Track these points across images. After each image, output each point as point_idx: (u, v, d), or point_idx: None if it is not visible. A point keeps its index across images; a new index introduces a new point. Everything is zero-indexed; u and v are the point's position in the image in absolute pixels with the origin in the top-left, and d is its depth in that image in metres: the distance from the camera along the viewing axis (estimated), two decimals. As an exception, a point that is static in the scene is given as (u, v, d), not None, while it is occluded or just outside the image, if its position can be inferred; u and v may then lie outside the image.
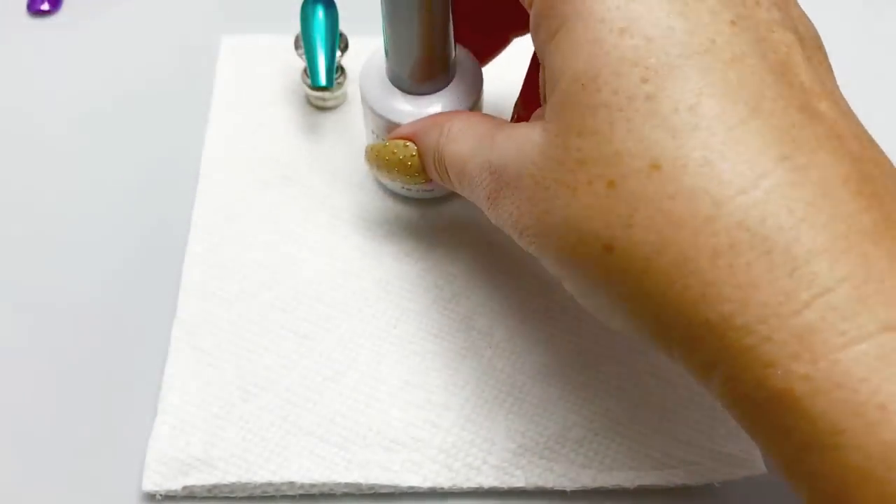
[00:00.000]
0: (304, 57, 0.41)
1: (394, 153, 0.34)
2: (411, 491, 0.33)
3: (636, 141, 0.23)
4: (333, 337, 0.37)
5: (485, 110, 0.39)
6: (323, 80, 0.40)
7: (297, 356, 0.36)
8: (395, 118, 0.36)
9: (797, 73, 0.24)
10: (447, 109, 0.35)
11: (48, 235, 0.40)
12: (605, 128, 0.23)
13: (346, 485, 0.33)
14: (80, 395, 0.36)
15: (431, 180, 0.33)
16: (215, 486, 0.33)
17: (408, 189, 0.39)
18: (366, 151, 0.35)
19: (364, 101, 0.37)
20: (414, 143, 0.33)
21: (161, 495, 0.33)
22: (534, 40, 0.27)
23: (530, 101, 0.36)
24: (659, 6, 0.23)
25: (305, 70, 0.42)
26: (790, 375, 0.21)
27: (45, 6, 0.48)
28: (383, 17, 0.34)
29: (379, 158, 0.34)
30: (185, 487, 0.33)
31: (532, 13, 0.27)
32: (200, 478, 0.33)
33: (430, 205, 0.41)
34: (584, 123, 0.24)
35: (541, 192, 0.25)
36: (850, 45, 0.45)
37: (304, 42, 0.41)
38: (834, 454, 0.21)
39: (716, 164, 0.22)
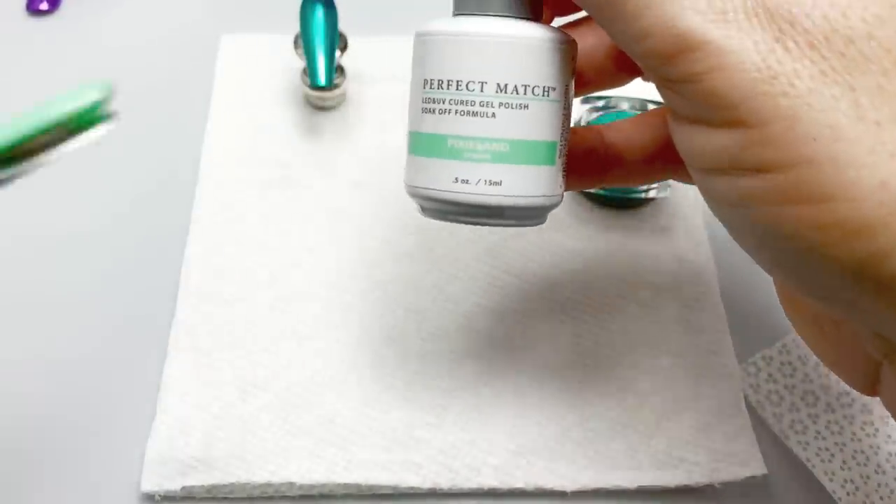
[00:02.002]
0: (303, 57, 0.41)
1: None
2: (411, 491, 0.33)
3: None
4: (333, 337, 0.37)
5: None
6: (322, 80, 0.40)
7: (297, 356, 0.36)
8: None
9: None
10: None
11: (47, 235, 0.40)
12: None
13: (346, 485, 0.33)
14: (79, 395, 0.36)
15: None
16: (214, 487, 0.33)
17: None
18: None
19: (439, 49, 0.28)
20: None
21: (160, 496, 0.33)
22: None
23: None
24: None
25: (305, 70, 0.42)
26: None
27: (45, 6, 0.48)
28: None
29: None
30: (184, 488, 0.33)
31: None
32: (199, 478, 0.33)
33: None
34: None
35: None
36: None
37: (304, 42, 0.40)
38: None
39: None
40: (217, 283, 0.38)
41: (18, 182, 0.41)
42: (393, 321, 0.37)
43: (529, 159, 0.27)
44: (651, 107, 0.41)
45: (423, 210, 0.29)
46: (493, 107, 0.26)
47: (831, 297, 0.23)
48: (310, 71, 0.40)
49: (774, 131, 0.22)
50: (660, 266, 0.39)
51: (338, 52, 0.41)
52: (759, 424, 0.35)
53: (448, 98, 0.27)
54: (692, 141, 0.24)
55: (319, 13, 0.40)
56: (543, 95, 0.26)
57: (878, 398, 0.33)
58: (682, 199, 0.41)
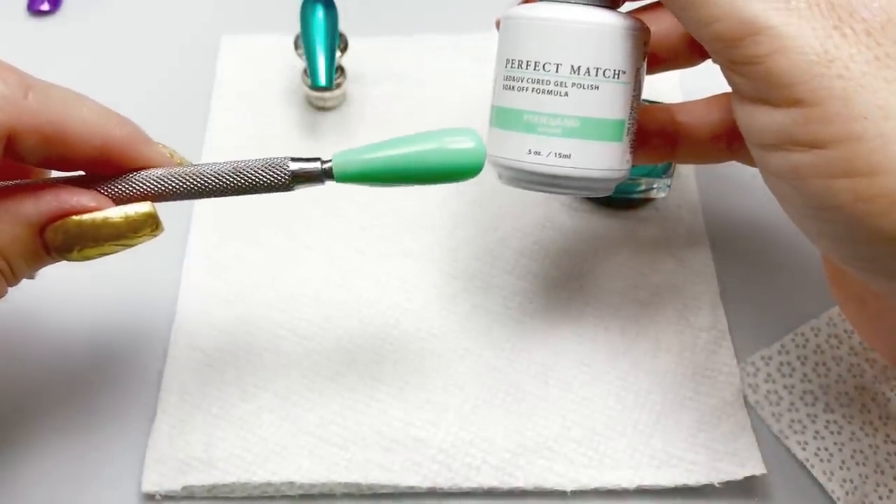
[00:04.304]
0: (303, 57, 0.41)
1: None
2: (411, 491, 0.33)
3: None
4: (333, 337, 0.37)
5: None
6: (323, 81, 0.40)
7: (297, 356, 0.36)
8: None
9: None
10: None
11: (48, 235, 0.40)
12: None
13: (346, 485, 0.33)
14: (80, 395, 0.36)
15: None
16: (215, 486, 0.33)
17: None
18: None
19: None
20: None
21: (161, 495, 0.33)
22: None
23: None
24: None
25: (305, 70, 0.42)
26: None
27: (45, 6, 0.48)
28: None
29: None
30: (184, 487, 0.33)
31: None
32: (200, 478, 0.33)
33: (430, 204, 0.41)
34: None
35: None
36: None
37: (304, 42, 0.40)
38: None
39: None
40: (217, 282, 0.38)
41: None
42: (392, 321, 0.37)
43: (597, 135, 0.29)
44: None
45: (500, 178, 0.32)
46: (566, 86, 0.29)
47: (875, 268, 0.25)
48: (310, 71, 0.40)
49: (828, 110, 0.23)
50: (660, 266, 0.39)
51: (338, 53, 0.41)
52: (759, 424, 0.35)
53: (526, 77, 0.29)
54: (752, 119, 0.26)
55: (320, 14, 0.40)
56: (614, 78, 0.29)
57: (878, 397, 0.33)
58: (683, 200, 0.41)
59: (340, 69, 0.43)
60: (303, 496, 0.34)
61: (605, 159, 0.30)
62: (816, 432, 0.34)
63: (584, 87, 0.29)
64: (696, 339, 0.37)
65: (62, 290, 0.38)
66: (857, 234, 0.24)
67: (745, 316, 0.38)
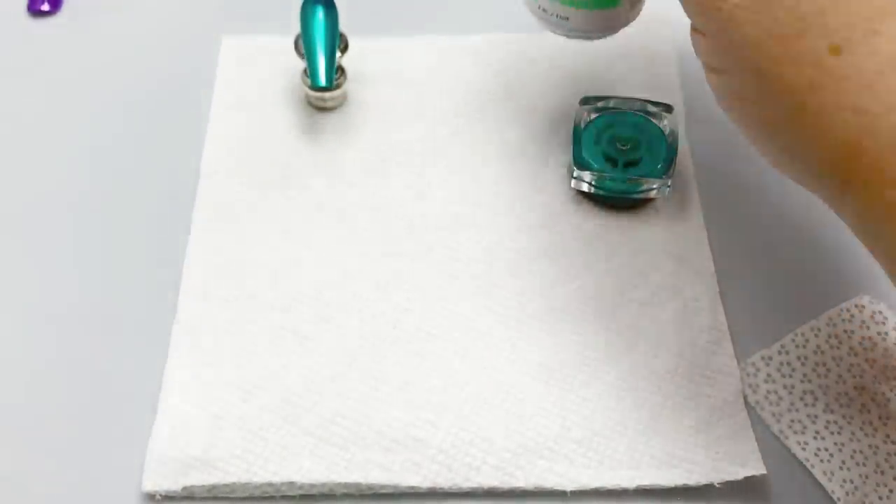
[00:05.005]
0: (304, 58, 0.41)
1: None
2: (411, 491, 0.33)
3: None
4: (333, 337, 0.37)
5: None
6: (323, 81, 0.40)
7: (297, 356, 0.36)
8: None
9: None
10: None
11: (48, 235, 0.40)
12: None
13: (346, 485, 0.33)
14: (80, 395, 0.36)
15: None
16: (215, 487, 0.33)
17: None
18: None
19: None
20: None
21: (161, 495, 0.33)
22: None
23: None
24: None
25: (305, 70, 0.42)
26: None
27: (46, 6, 0.48)
28: None
29: None
30: (184, 488, 0.33)
31: None
32: (200, 478, 0.33)
33: (431, 204, 0.41)
34: None
35: None
36: None
37: (304, 42, 0.41)
38: None
39: None
40: (218, 282, 0.38)
41: (18, 181, 0.41)
42: (392, 320, 0.37)
43: (592, 5, 0.36)
44: (650, 108, 0.41)
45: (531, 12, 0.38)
46: None
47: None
48: (310, 72, 0.40)
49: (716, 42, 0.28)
50: (660, 266, 0.39)
51: (338, 53, 0.41)
52: (758, 424, 0.35)
53: None
54: (693, 44, 0.30)
55: (320, 14, 0.40)
56: None
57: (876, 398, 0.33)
58: (682, 199, 0.41)
59: (340, 69, 0.43)
60: (303, 496, 0.34)
61: (601, 22, 0.36)
62: (816, 432, 0.34)
63: None
64: (696, 339, 0.37)
65: (62, 289, 0.38)
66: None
67: (745, 316, 0.38)
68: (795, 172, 0.29)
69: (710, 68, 0.29)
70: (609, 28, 0.37)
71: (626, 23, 0.37)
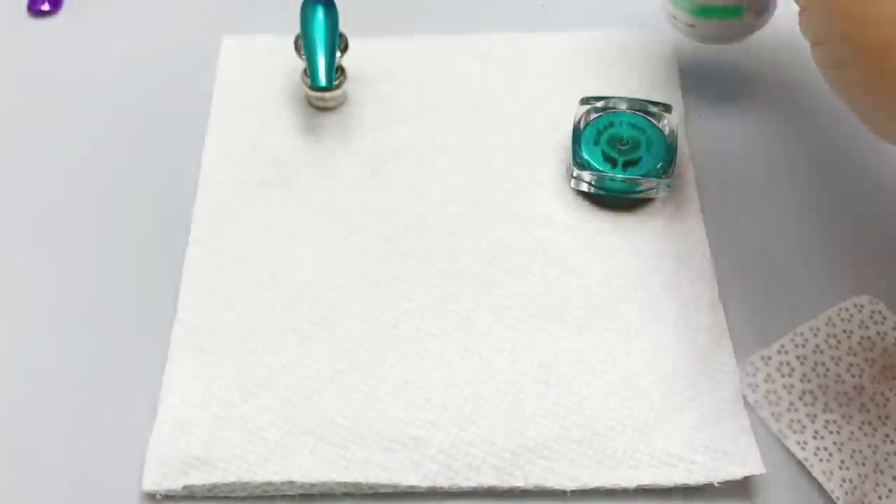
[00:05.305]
0: (304, 57, 0.41)
1: None
2: (411, 490, 0.34)
3: None
4: (333, 337, 0.37)
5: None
6: (323, 81, 0.40)
7: (297, 356, 0.36)
8: None
9: None
10: None
11: (49, 235, 0.40)
12: None
13: (346, 484, 0.33)
14: (80, 395, 0.36)
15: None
16: (215, 486, 0.33)
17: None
18: None
19: None
20: None
21: (161, 495, 0.33)
22: None
23: None
24: None
25: (305, 70, 0.42)
26: None
27: (46, 6, 0.48)
28: None
29: None
30: (185, 487, 0.33)
31: None
32: (200, 477, 0.33)
33: (431, 205, 0.41)
34: None
35: None
36: None
37: (304, 42, 0.41)
38: None
39: None
40: (218, 282, 0.38)
41: (18, 181, 0.41)
42: (392, 320, 0.37)
43: (717, 15, 0.40)
44: (650, 108, 0.41)
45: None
46: None
47: None
48: (310, 72, 0.40)
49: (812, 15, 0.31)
50: (660, 266, 0.39)
51: (338, 53, 0.41)
52: (758, 424, 0.35)
53: None
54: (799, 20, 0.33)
55: (320, 14, 0.40)
56: None
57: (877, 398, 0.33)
58: (682, 199, 0.41)
59: (341, 69, 0.43)
60: (303, 496, 0.34)
61: (726, 31, 0.41)
62: (815, 432, 0.35)
63: None
64: (696, 339, 0.37)
65: (62, 289, 0.39)
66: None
67: (744, 316, 0.38)
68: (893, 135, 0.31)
69: (812, 43, 0.31)
70: (734, 37, 0.41)
71: (751, 31, 0.41)
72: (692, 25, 0.41)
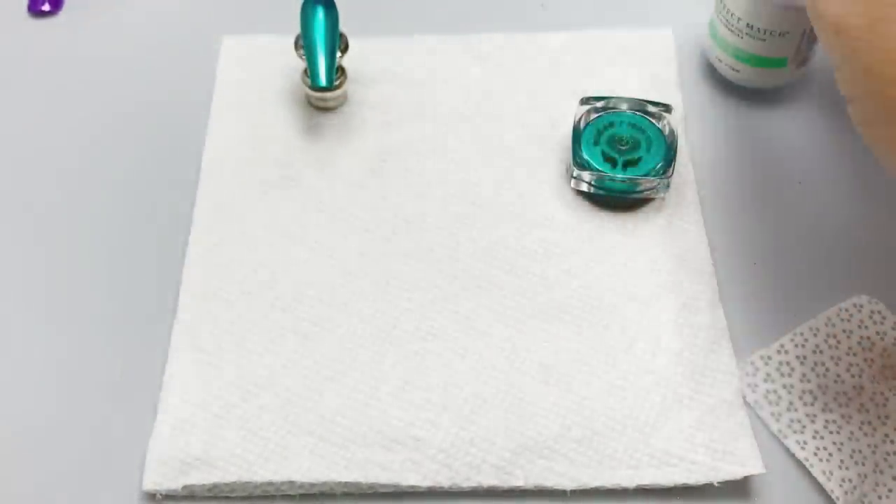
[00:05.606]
0: (304, 57, 0.41)
1: None
2: (411, 490, 0.34)
3: None
4: (333, 337, 0.37)
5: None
6: (323, 81, 0.40)
7: (297, 356, 0.36)
8: None
9: None
10: None
11: (49, 235, 0.40)
12: None
13: (346, 484, 0.33)
14: (80, 395, 0.36)
15: None
16: (215, 486, 0.33)
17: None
18: None
19: None
20: None
21: (161, 495, 0.33)
22: None
23: None
24: None
25: (306, 70, 0.42)
26: None
27: (46, 7, 0.48)
28: None
29: None
30: (185, 487, 0.33)
31: None
32: (200, 477, 0.33)
33: (431, 205, 0.41)
34: None
35: None
36: None
37: (305, 42, 0.41)
38: None
39: None
40: (218, 282, 0.38)
41: (18, 182, 0.41)
42: (392, 320, 0.37)
43: (762, 65, 0.42)
44: (650, 108, 0.41)
45: None
46: (742, 32, 0.41)
47: None
48: (311, 72, 0.40)
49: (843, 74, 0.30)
50: (659, 266, 0.39)
51: (338, 53, 0.41)
52: (758, 423, 0.35)
53: (724, 18, 0.42)
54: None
55: (320, 14, 0.40)
56: (780, 36, 0.40)
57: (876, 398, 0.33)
58: (682, 199, 0.41)
59: (341, 69, 0.43)
60: (303, 496, 0.34)
61: (768, 78, 0.43)
62: (815, 432, 0.35)
63: (754, 37, 0.41)
64: (696, 339, 0.37)
65: (62, 289, 0.39)
66: None
67: (744, 316, 0.38)
68: None
69: (847, 99, 0.30)
70: (776, 84, 0.43)
71: (791, 79, 0.43)
72: (737, 70, 0.43)
